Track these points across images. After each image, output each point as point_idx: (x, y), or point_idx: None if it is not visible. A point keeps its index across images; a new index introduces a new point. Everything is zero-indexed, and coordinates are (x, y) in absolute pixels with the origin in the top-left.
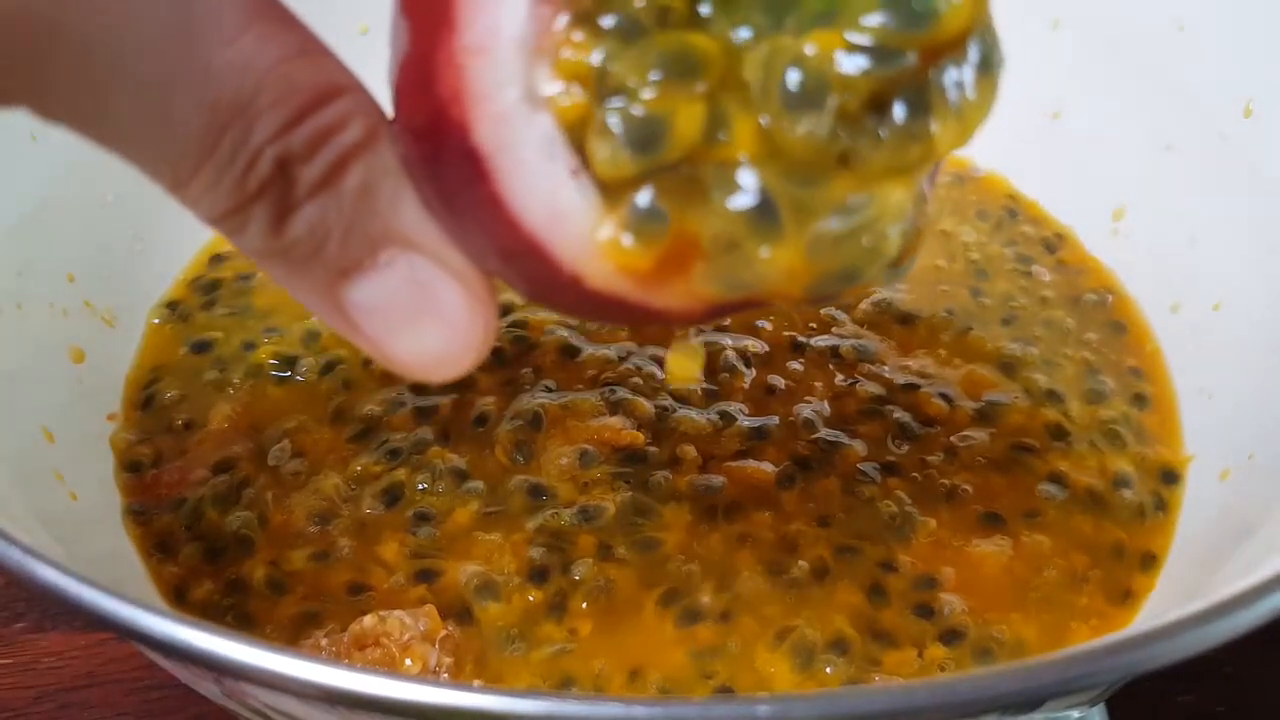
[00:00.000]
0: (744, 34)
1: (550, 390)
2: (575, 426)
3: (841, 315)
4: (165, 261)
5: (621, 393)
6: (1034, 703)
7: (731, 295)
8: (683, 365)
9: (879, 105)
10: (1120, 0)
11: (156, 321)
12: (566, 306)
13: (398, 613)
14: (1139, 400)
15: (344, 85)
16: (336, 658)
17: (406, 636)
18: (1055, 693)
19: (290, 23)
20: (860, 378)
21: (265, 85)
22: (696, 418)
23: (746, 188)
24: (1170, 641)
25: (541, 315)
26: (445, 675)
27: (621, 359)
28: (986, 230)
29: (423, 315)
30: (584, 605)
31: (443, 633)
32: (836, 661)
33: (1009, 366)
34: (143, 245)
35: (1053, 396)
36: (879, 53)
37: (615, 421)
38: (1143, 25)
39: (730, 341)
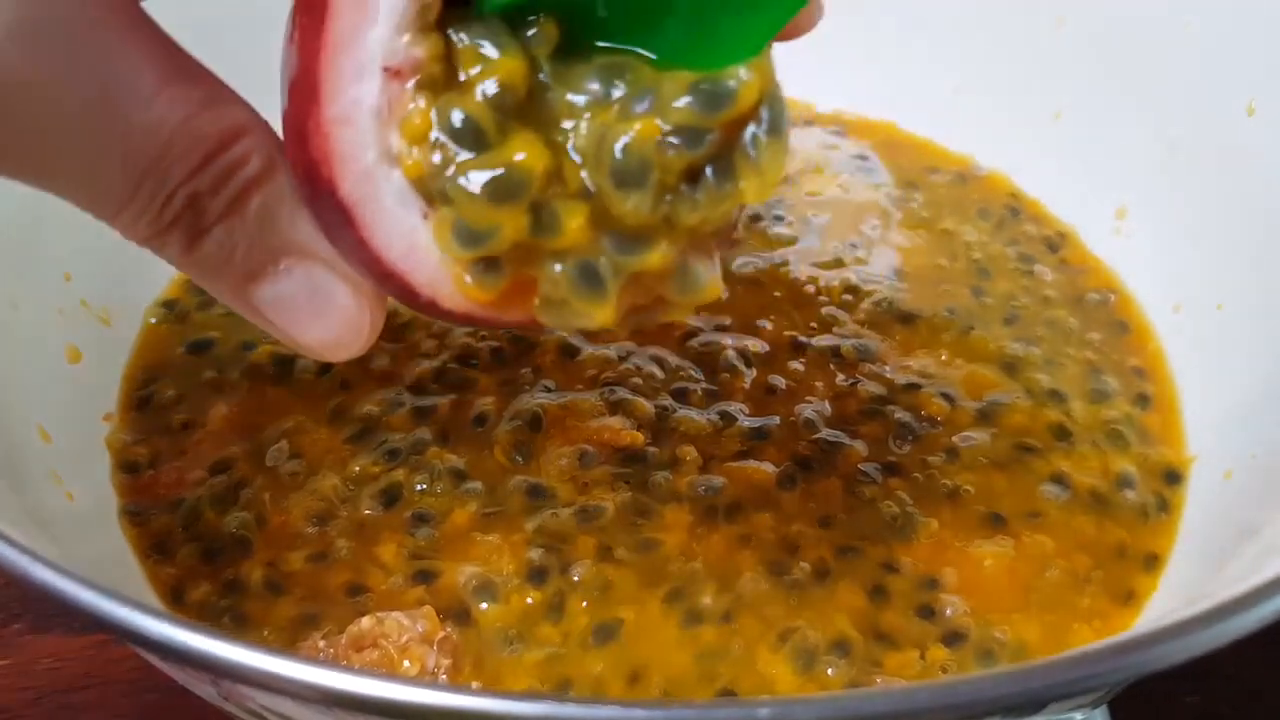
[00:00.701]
0: (576, 99)
1: (550, 390)
2: (575, 426)
3: (843, 315)
4: (162, 261)
5: (621, 393)
6: (1037, 705)
7: (566, 330)
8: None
9: (693, 173)
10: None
11: (153, 321)
12: (436, 317)
13: (396, 614)
14: (1141, 400)
15: (245, 127)
16: (334, 659)
17: (404, 638)
18: (1058, 695)
19: (198, 77)
20: (861, 377)
21: (175, 139)
22: (697, 418)
23: (571, 264)
24: (1173, 643)
25: None
26: (443, 677)
27: (621, 359)
28: (988, 229)
29: (319, 310)
30: (583, 605)
31: (441, 634)
32: (838, 663)
33: (1011, 366)
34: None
35: (1055, 396)
36: (691, 134)
37: (615, 421)
38: (1145, 24)
39: (731, 341)
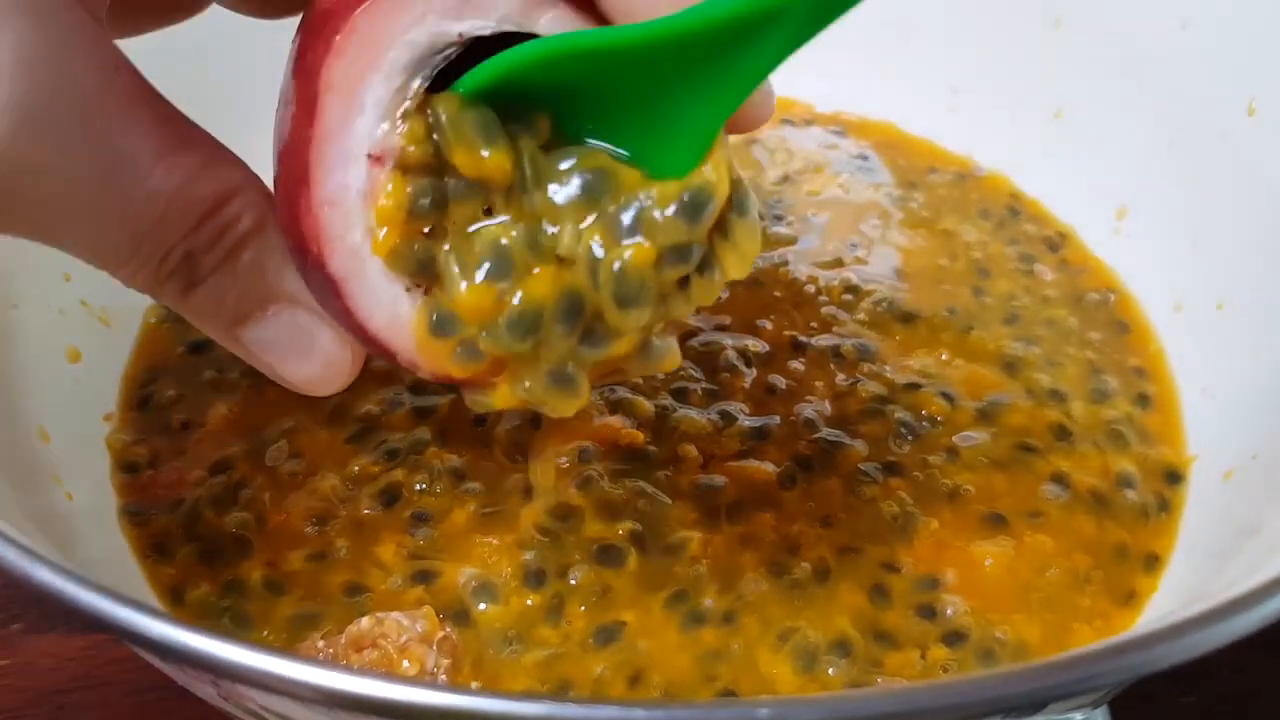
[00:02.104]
0: (555, 198)
1: None
2: (574, 426)
3: (843, 315)
4: None
5: (621, 392)
6: (1037, 705)
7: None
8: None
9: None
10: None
11: (153, 321)
12: (416, 375)
13: (395, 614)
14: (1142, 400)
15: (238, 188)
16: (334, 660)
17: (404, 638)
18: (1058, 695)
19: (194, 142)
20: (862, 377)
21: (173, 204)
22: (697, 417)
23: (541, 375)
24: (1174, 643)
25: None
26: (443, 677)
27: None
28: (988, 229)
29: (303, 351)
30: (581, 609)
31: (440, 634)
32: (839, 663)
33: (1011, 366)
34: None
35: (1055, 396)
36: (682, 251)
37: (615, 421)
38: (1145, 24)
39: (731, 341)
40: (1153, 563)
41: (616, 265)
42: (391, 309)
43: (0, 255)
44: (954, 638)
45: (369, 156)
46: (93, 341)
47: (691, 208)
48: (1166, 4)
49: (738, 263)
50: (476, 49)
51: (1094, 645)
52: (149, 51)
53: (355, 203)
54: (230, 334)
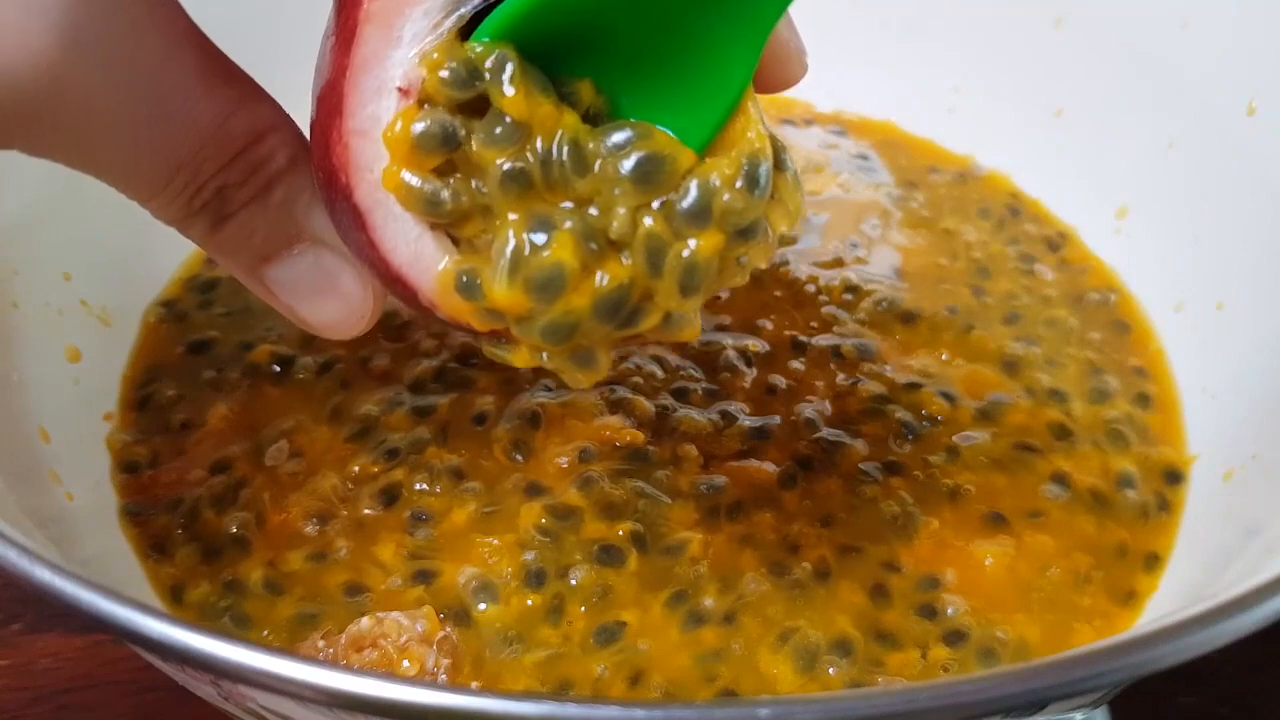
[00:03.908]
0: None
1: (550, 389)
2: (575, 425)
3: (843, 315)
4: (162, 261)
5: (621, 392)
6: (1037, 705)
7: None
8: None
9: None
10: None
11: (153, 321)
12: (432, 321)
13: (395, 614)
14: (1142, 400)
15: (273, 125)
16: (334, 660)
17: (404, 638)
18: (1058, 695)
19: (233, 78)
20: (862, 377)
21: (210, 136)
22: (697, 417)
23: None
24: (1174, 643)
25: None
26: (443, 677)
27: (622, 358)
28: (989, 229)
29: (325, 291)
30: (582, 609)
31: (440, 634)
32: (840, 663)
33: (1011, 366)
34: (139, 245)
35: (1055, 396)
36: (746, 230)
37: (615, 420)
38: (1146, 23)
39: (731, 341)
40: (1153, 562)
41: (685, 254)
42: (415, 246)
43: (1, 255)
44: (955, 637)
45: (399, 90)
46: (93, 341)
47: (750, 182)
48: (1168, 4)
49: (786, 218)
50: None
51: (1095, 645)
52: None
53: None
54: (254, 273)
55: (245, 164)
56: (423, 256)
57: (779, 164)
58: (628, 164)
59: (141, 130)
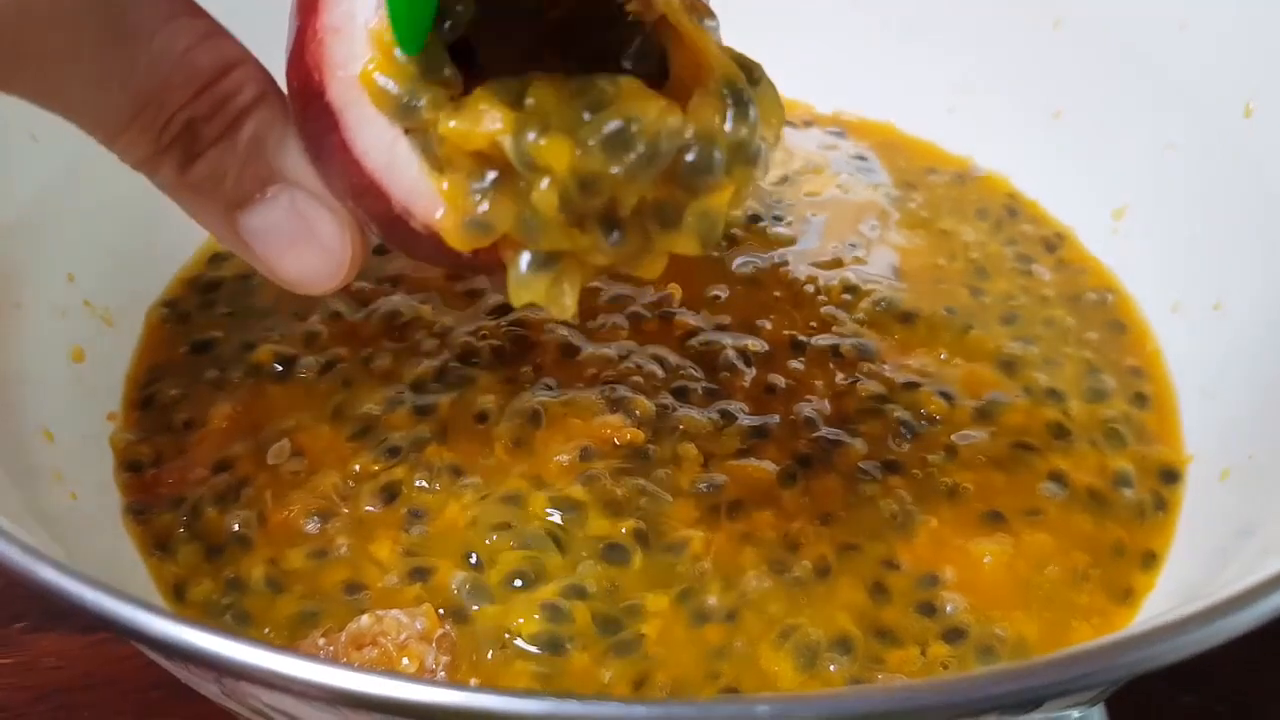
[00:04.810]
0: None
1: (550, 388)
2: (575, 424)
3: (842, 315)
4: (164, 261)
5: (622, 391)
6: (1034, 702)
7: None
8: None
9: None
10: (1121, 0)
11: (156, 321)
12: (404, 245)
13: (395, 612)
14: (1139, 399)
15: (239, 59)
16: (335, 657)
17: (403, 636)
18: (1056, 692)
19: (198, 12)
20: (861, 376)
21: (176, 69)
22: (697, 416)
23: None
24: (1171, 641)
25: (542, 314)
26: (442, 674)
27: (622, 358)
28: (986, 229)
29: (302, 239)
30: (585, 607)
31: (440, 632)
32: (840, 660)
33: (1009, 365)
34: (142, 245)
35: (1053, 395)
36: (750, 157)
37: (615, 420)
38: (1144, 25)
39: (730, 340)
40: (1150, 561)
41: (701, 211)
42: (390, 149)
43: (3, 254)
44: (954, 634)
45: None
46: (96, 341)
47: (739, 113)
48: (1166, 5)
49: (772, 131)
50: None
51: (1093, 643)
52: None
53: (360, 34)
54: (228, 222)
55: (213, 97)
56: (398, 161)
57: (753, 80)
58: (608, 129)
59: (108, 60)
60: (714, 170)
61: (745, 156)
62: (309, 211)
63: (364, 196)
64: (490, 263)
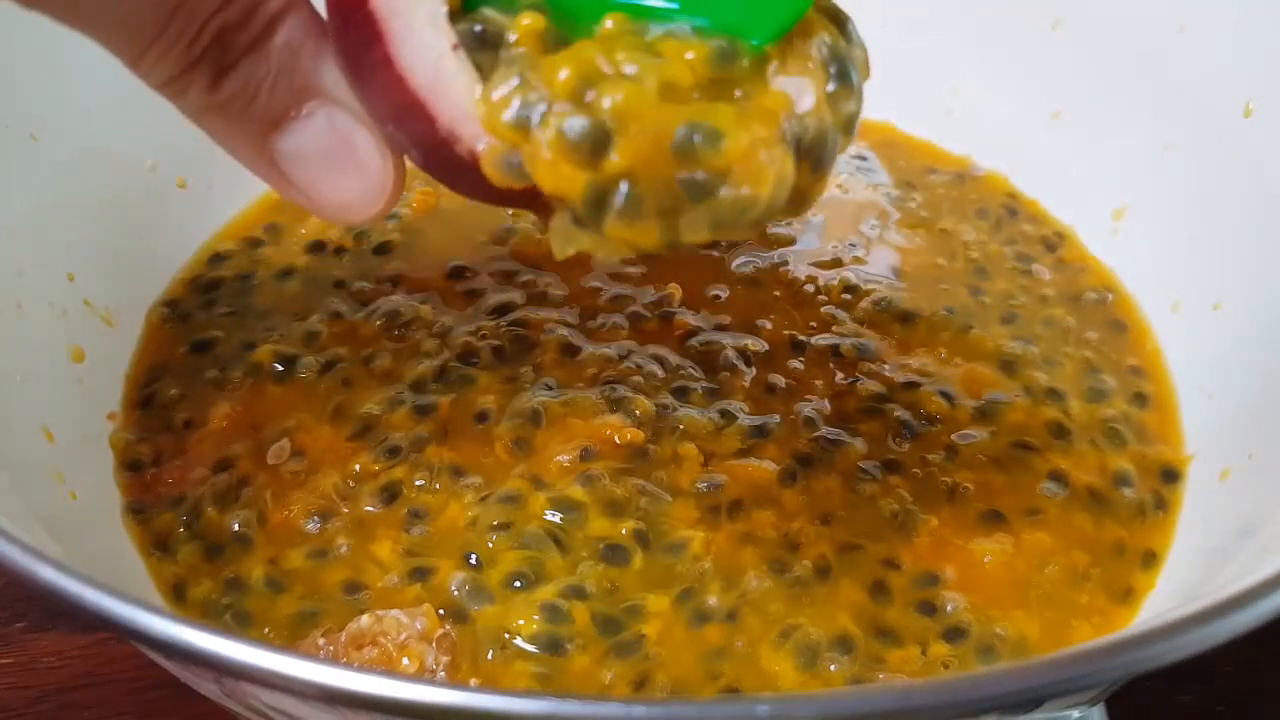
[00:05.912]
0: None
1: (550, 388)
2: (575, 424)
3: (842, 314)
4: (165, 261)
5: (622, 390)
6: (1034, 702)
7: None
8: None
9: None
10: (1121, 0)
11: (156, 321)
12: (447, 175)
13: (394, 612)
14: (1139, 399)
15: None
16: (334, 657)
17: (403, 636)
18: (1056, 692)
19: None
20: (861, 376)
21: None
22: (697, 416)
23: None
24: (1171, 640)
25: (542, 314)
26: (442, 674)
27: (622, 357)
28: (986, 229)
29: (342, 162)
30: (585, 606)
31: (439, 632)
32: (841, 660)
33: (1009, 365)
34: (142, 245)
35: (1053, 395)
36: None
37: (615, 419)
38: (1143, 25)
39: (731, 340)
40: (1150, 560)
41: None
42: (435, 65)
43: (4, 254)
44: (954, 634)
45: None
46: (96, 341)
47: (837, 66)
48: (1165, 5)
49: (863, 62)
50: None
51: (1093, 642)
52: None
53: None
54: (262, 146)
55: (244, 2)
56: (443, 77)
57: (847, 36)
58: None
59: None
60: (828, 161)
61: (850, 128)
62: (349, 130)
63: (406, 118)
64: (533, 202)
